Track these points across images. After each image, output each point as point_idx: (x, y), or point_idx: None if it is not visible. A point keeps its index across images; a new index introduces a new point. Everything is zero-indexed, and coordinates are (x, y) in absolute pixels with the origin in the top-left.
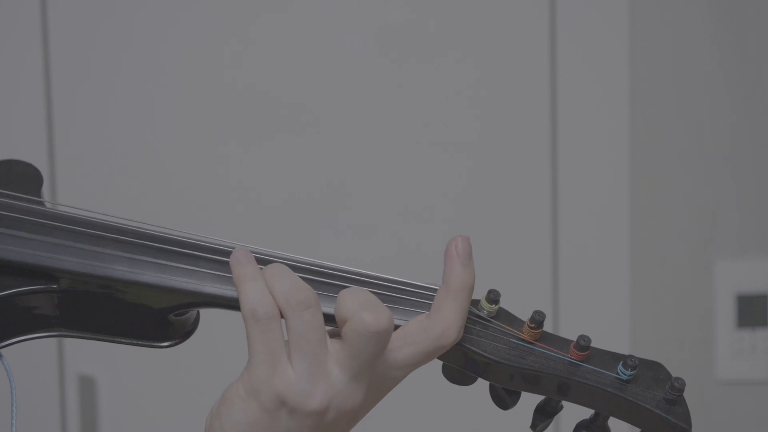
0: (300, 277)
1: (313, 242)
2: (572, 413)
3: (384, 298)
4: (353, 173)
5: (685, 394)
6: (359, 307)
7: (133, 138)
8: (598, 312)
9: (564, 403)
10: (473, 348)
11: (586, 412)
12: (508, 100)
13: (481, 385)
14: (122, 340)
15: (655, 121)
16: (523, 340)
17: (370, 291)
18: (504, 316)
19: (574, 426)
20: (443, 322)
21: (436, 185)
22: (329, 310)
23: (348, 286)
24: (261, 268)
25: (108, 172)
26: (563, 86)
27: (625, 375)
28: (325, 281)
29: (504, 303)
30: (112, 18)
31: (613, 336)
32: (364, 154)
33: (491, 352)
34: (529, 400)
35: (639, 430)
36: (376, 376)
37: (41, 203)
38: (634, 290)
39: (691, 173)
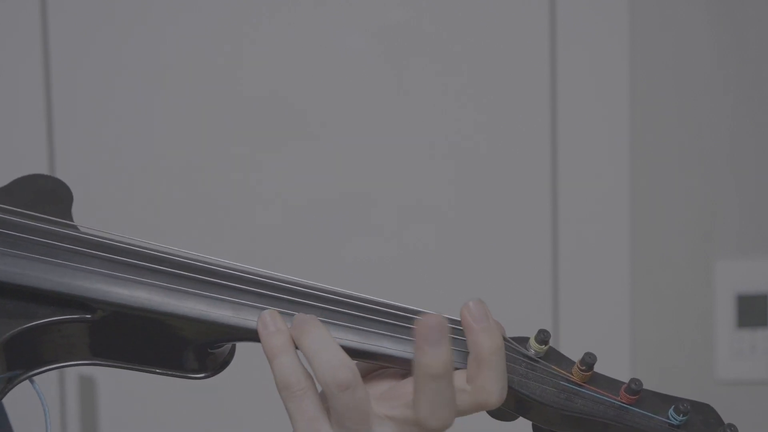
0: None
1: (314, 243)
2: None
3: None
4: (353, 174)
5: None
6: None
7: (137, 140)
8: (598, 312)
9: None
10: (519, 389)
11: None
12: (508, 101)
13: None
14: (157, 371)
15: (655, 121)
16: (572, 382)
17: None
18: (553, 355)
19: None
20: (482, 393)
21: (435, 185)
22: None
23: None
24: (290, 326)
25: (109, 173)
26: (563, 86)
27: (676, 420)
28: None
29: (504, 303)
30: (113, 21)
31: (613, 336)
32: (364, 154)
33: (538, 394)
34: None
35: None
36: None
37: (75, 227)
38: (634, 290)
39: (690, 173)
